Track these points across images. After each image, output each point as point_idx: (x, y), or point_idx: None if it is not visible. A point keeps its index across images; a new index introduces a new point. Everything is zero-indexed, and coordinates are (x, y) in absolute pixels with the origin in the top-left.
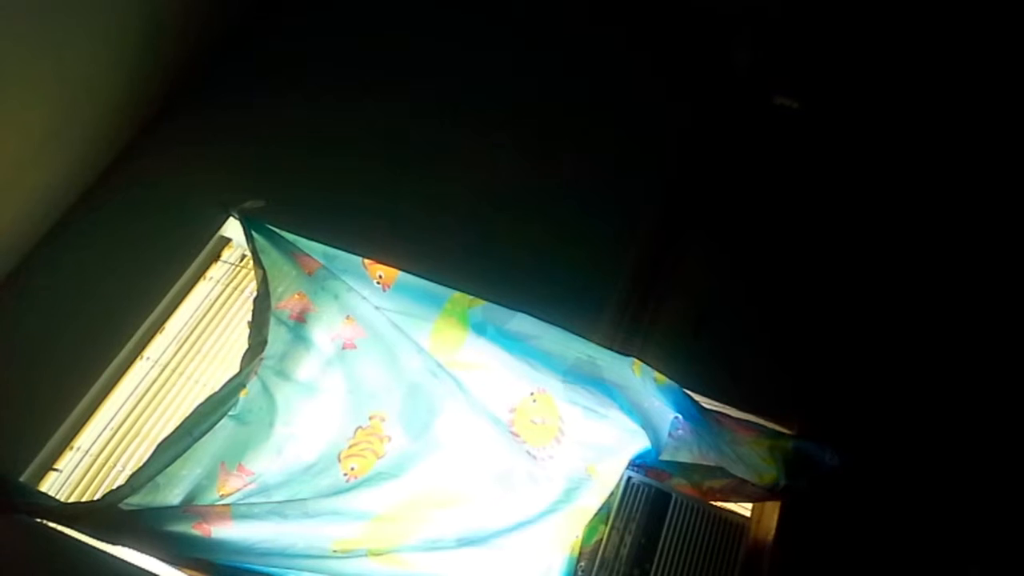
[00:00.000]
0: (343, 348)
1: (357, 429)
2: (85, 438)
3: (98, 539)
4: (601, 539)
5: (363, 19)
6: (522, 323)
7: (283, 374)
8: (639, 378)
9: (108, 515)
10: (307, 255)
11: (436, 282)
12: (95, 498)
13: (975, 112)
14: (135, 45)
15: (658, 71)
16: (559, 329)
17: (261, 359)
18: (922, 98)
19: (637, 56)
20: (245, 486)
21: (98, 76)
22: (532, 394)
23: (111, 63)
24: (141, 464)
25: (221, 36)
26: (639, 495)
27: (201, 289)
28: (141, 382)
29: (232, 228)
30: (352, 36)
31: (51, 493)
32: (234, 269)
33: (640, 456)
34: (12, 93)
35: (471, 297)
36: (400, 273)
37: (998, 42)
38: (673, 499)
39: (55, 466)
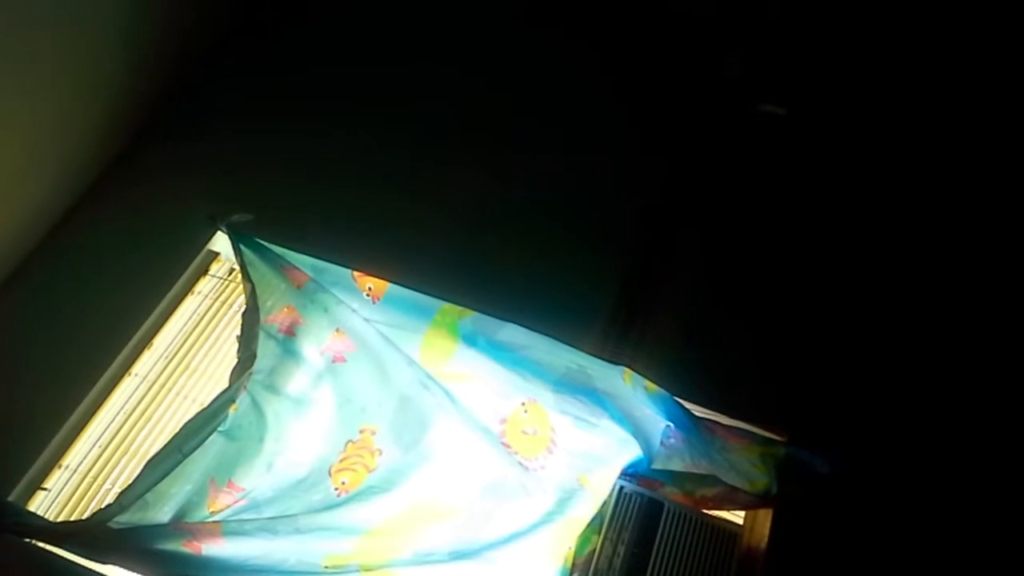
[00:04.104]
0: (333, 361)
1: (348, 443)
2: (73, 456)
3: (88, 558)
4: (594, 549)
5: (340, 47)
6: (512, 333)
7: (273, 388)
8: (630, 387)
9: (97, 534)
10: (296, 268)
11: (426, 295)
12: (84, 517)
13: (962, 118)
14: (122, 60)
15: (643, 80)
16: (549, 339)
17: (250, 374)
18: (909, 105)
19: (621, 66)
20: (235, 502)
21: (85, 93)
22: (523, 404)
23: (98, 77)
24: (130, 482)
25: (209, 55)
26: (631, 504)
27: (189, 304)
28: (129, 399)
29: (220, 242)
30: (329, 64)
31: (40, 512)
32: (222, 283)
33: (632, 465)
34: None
35: (461, 308)
36: (389, 285)
37: (986, 49)
38: (665, 508)
39: (43, 485)
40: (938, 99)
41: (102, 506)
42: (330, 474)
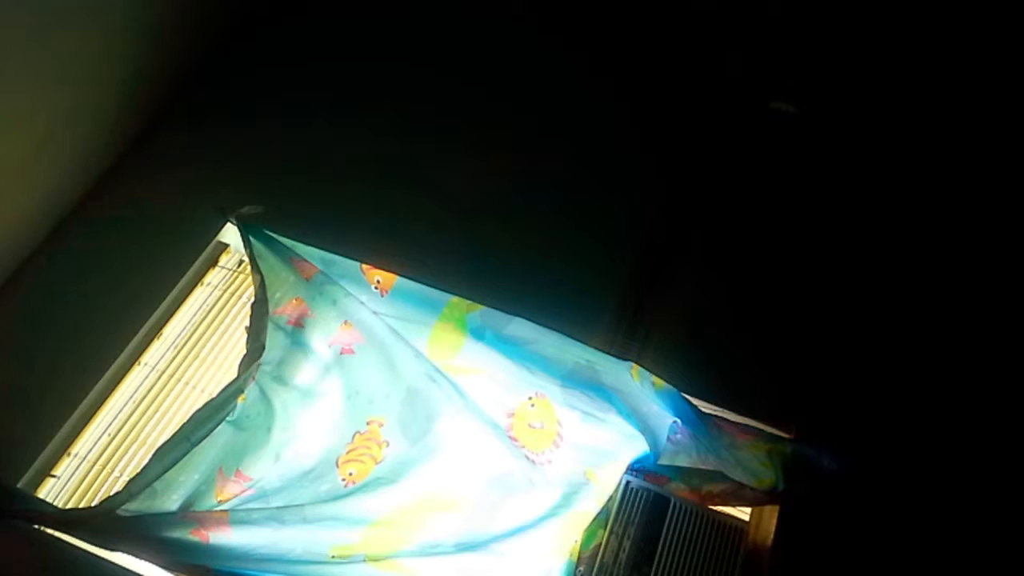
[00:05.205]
0: (341, 353)
1: (355, 434)
2: (83, 444)
3: (96, 545)
4: (600, 543)
5: (346, 43)
6: (520, 328)
7: (281, 380)
8: (637, 382)
9: (106, 521)
10: (305, 260)
11: (434, 288)
12: (93, 504)
13: (971, 115)
14: (132, 52)
15: (649, 77)
16: (557, 334)
17: (259, 365)
18: (918, 102)
19: (626, 62)
20: (243, 492)
21: (95, 84)
22: (530, 399)
23: (108, 69)
24: (139, 470)
25: (218, 49)
26: (638, 499)
27: (199, 295)
28: (139, 388)
29: (230, 233)
30: (338, 60)
31: (49, 499)
32: (232, 274)
33: (639, 460)
34: (10, 99)
35: (469, 302)
36: (398, 278)
37: (995, 45)
38: (672, 503)
39: (53, 472)
40: (946, 94)
41: (111, 494)
42: (337, 465)
